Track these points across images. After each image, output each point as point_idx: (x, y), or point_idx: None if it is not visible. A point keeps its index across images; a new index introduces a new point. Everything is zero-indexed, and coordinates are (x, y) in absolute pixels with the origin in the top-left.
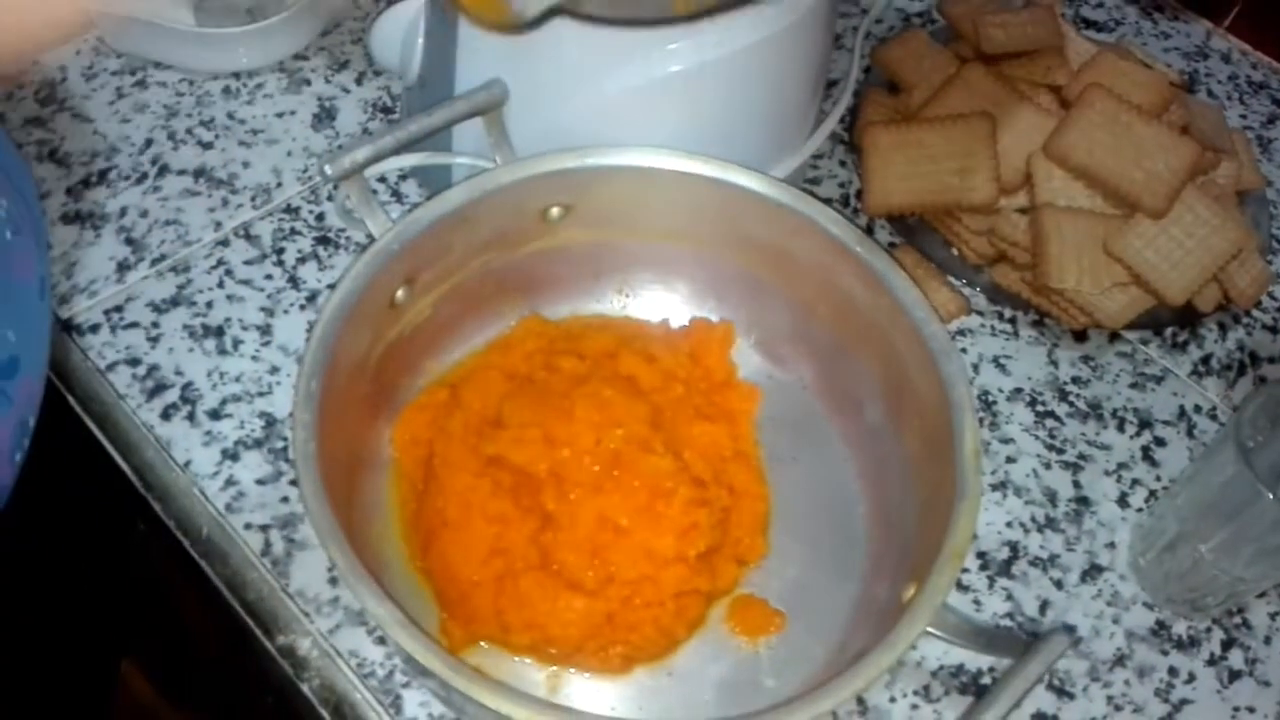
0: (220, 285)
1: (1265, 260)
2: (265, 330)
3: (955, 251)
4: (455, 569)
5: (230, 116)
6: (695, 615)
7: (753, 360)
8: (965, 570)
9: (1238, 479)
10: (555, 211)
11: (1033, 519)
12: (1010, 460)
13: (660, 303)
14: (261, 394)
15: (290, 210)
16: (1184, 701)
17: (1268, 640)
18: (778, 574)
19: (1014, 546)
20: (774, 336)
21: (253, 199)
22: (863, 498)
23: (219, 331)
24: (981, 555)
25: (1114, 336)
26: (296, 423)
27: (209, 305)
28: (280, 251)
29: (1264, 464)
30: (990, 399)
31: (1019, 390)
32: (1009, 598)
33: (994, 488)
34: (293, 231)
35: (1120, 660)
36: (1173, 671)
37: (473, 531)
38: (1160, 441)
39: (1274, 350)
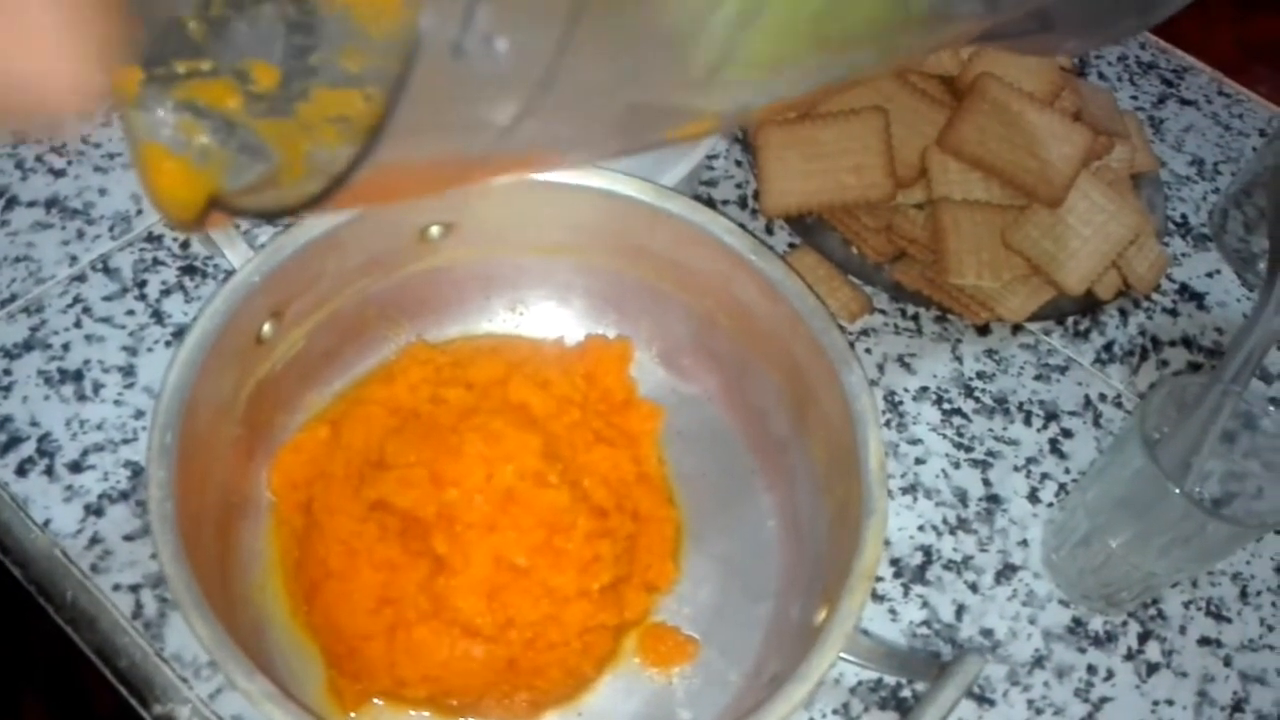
0: (77, 325)
1: (1162, 243)
2: (128, 371)
3: (855, 250)
4: (342, 621)
5: (84, 140)
6: (604, 651)
7: (656, 374)
8: (880, 579)
9: (1144, 473)
10: (435, 230)
11: (944, 521)
12: (919, 461)
13: (555, 319)
14: (126, 441)
15: (152, 239)
16: (1104, 699)
17: (1183, 630)
18: (690, 598)
19: (927, 551)
20: (676, 349)
21: (111, 229)
22: (773, 512)
23: (77, 376)
24: (895, 562)
25: (1017, 328)
26: (151, 480)
27: (65, 347)
28: (142, 284)
29: (1170, 457)
30: (897, 399)
31: (925, 389)
32: (925, 605)
33: (904, 491)
34: (155, 262)
35: (1039, 662)
36: (1091, 669)
37: (359, 580)
38: (1067, 433)
39: (1175, 334)
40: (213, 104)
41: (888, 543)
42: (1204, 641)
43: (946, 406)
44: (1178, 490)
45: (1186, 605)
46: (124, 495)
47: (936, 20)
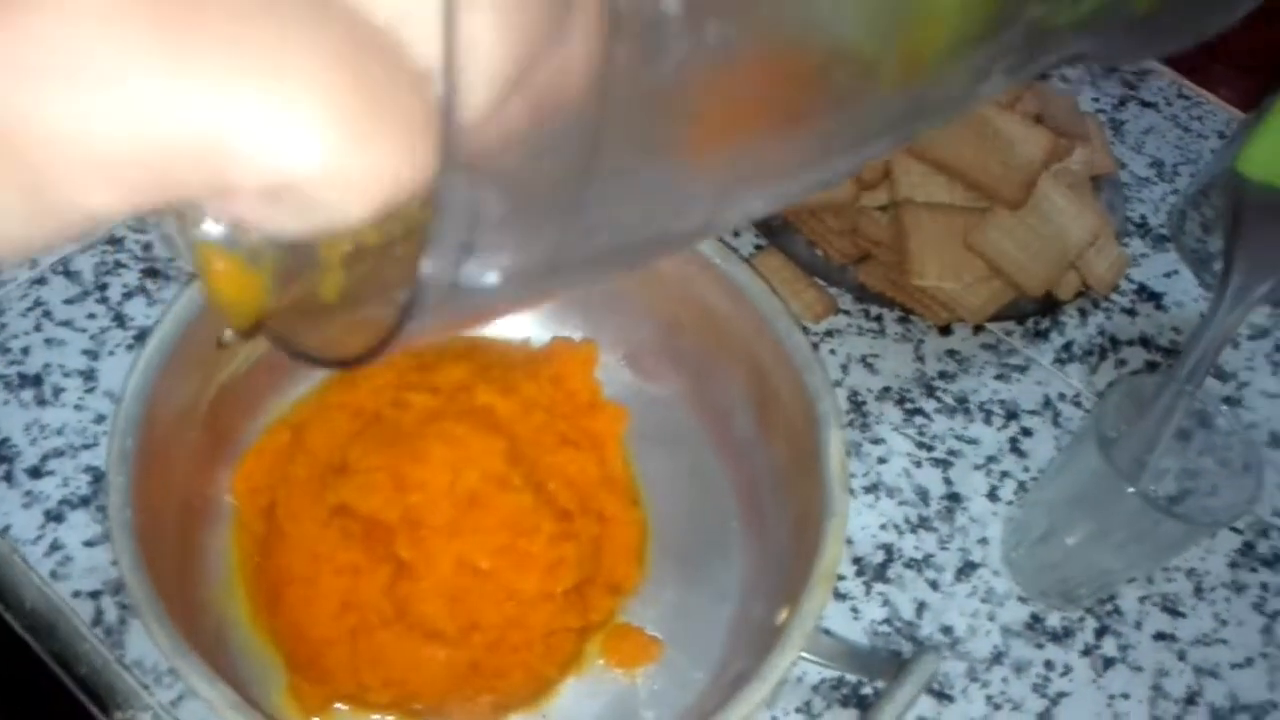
0: (37, 328)
1: (1121, 244)
2: (89, 375)
3: (820, 252)
4: (305, 626)
5: None
6: (568, 653)
7: (622, 376)
8: (842, 578)
9: (1100, 472)
10: None
11: (906, 520)
12: (882, 461)
13: (521, 321)
14: (87, 446)
15: (114, 241)
16: (1061, 694)
17: (1138, 625)
18: (654, 599)
19: (889, 549)
20: (642, 351)
21: None
22: (737, 512)
23: (37, 380)
24: (857, 561)
25: (978, 328)
26: (111, 487)
27: (25, 351)
28: (104, 287)
29: (1125, 455)
30: (860, 399)
31: (888, 389)
32: (886, 603)
33: (867, 490)
34: (117, 264)
35: (997, 658)
36: (1049, 665)
37: (321, 585)
38: (1027, 432)
39: (1133, 333)
40: None
41: (850, 541)
42: (1159, 636)
43: (909, 406)
44: (1132, 489)
45: (1142, 601)
46: (84, 501)
47: (953, 106)
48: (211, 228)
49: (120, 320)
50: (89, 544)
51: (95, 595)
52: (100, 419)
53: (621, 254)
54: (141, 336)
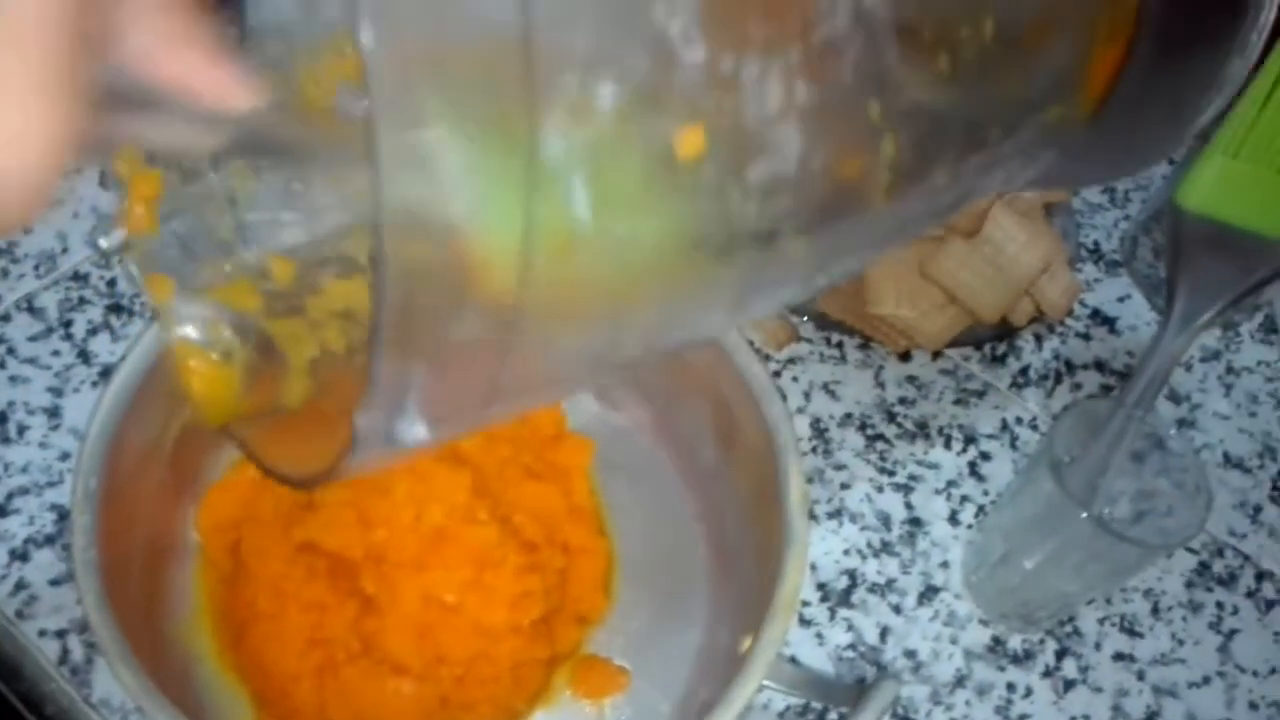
0: (2, 366)
1: (1075, 270)
2: (54, 413)
3: None
4: (271, 663)
5: None
6: (536, 685)
7: (590, 407)
8: (806, 604)
9: (1054, 496)
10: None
11: (869, 545)
12: (845, 487)
13: None
14: (51, 484)
15: (78, 278)
16: (1023, 716)
17: (1098, 646)
18: (621, 629)
19: (852, 575)
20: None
21: (36, 267)
22: (702, 540)
23: (1, 418)
24: (822, 587)
25: (937, 354)
26: (75, 527)
27: None
28: (68, 324)
29: (1078, 479)
30: (822, 426)
31: (849, 415)
32: (850, 628)
33: (830, 515)
34: (82, 301)
35: (960, 681)
36: (1010, 687)
37: (288, 621)
38: (985, 456)
39: (1088, 358)
40: (235, 306)
41: (815, 568)
42: (1118, 657)
43: (870, 432)
44: (1085, 513)
45: (1101, 622)
46: (50, 540)
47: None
48: (187, 327)
49: (85, 357)
50: (54, 583)
51: (61, 634)
52: (65, 456)
53: (553, 385)
54: (106, 373)
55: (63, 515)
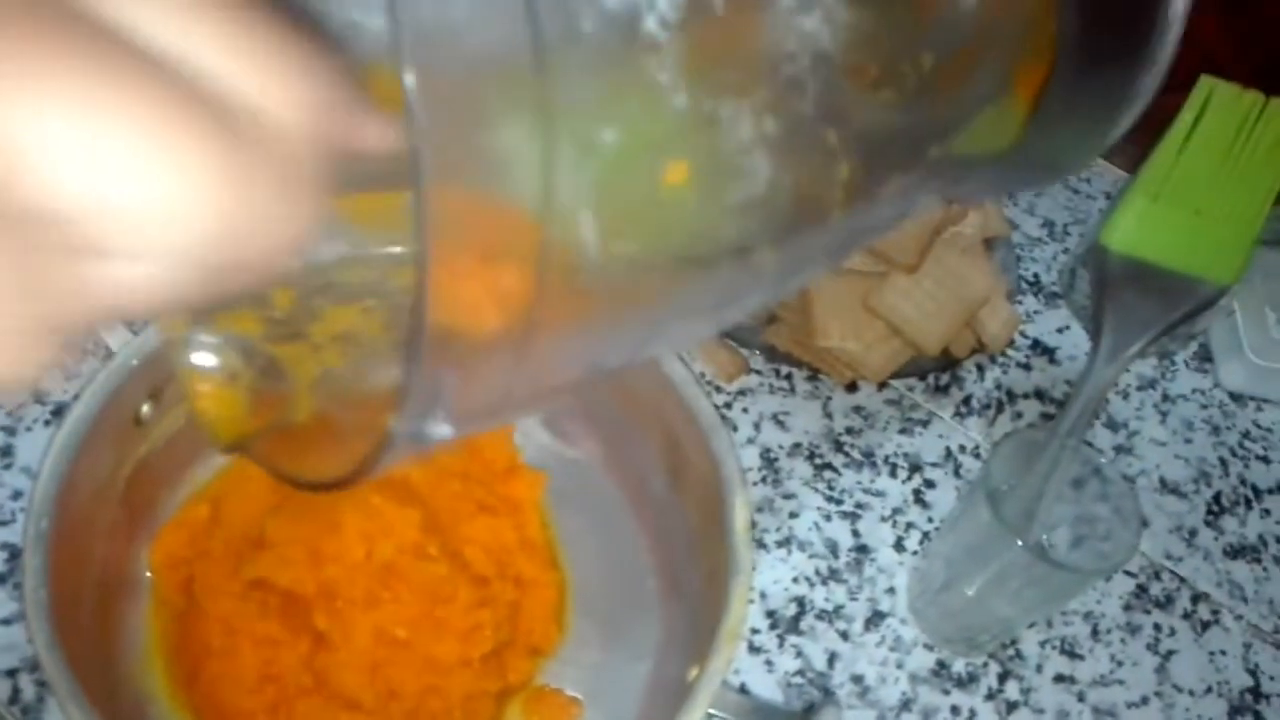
0: None
1: (1014, 302)
2: (5, 452)
3: None
4: (224, 700)
5: None
6: (488, 718)
7: (541, 439)
8: (756, 631)
9: (991, 525)
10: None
11: (817, 572)
12: (793, 515)
13: None
14: (4, 523)
15: None
16: None
17: (1039, 668)
18: (574, 660)
19: (801, 602)
20: (560, 414)
21: None
22: (653, 571)
23: None
24: (771, 614)
25: (882, 385)
26: (26, 568)
27: None
28: None
29: (1015, 507)
30: (772, 455)
31: (798, 445)
32: (799, 654)
33: (779, 544)
34: None
35: (906, 705)
36: (955, 710)
37: (240, 658)
38: (930, 484)
39: (1028, 387)
40: (239, 332)
41: (764, 595)
42: (1059, 679)
43: (818, 461)
44: (1020, 542)
45: (1042, 645)
46: (1, 579)
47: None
48: (195, 354)
49: (37, 395)
50: (6, 622)
51: (12, 673)
52: (17, 495)
53: (561, 390)
54: (59, 412)
55: (14, 554)
